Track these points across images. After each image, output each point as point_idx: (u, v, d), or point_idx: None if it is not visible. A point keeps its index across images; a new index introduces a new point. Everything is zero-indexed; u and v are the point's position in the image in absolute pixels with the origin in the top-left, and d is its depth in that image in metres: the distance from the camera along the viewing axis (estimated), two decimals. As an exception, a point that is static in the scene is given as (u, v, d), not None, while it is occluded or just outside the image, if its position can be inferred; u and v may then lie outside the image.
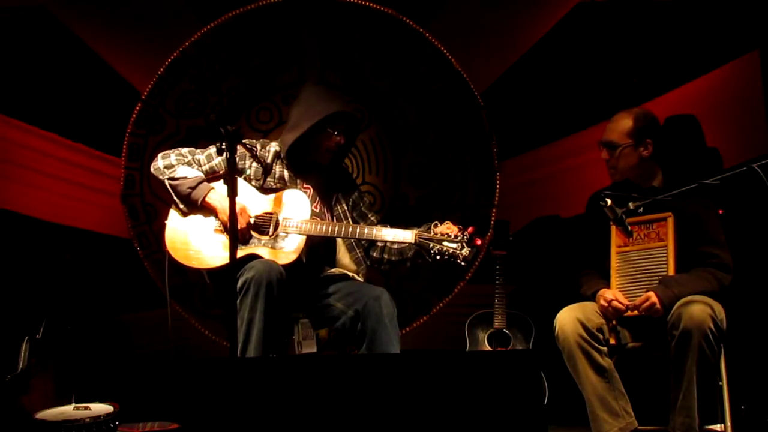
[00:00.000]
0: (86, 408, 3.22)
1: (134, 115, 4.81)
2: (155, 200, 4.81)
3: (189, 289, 4.80)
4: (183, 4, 4.82)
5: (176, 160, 3.45)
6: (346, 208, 3.65)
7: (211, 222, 3.46)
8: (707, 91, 4.68)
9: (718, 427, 3.31)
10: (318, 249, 3.53)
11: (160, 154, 3.49)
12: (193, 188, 3.40)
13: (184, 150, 3.52)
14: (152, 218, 4.81)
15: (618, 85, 4.71)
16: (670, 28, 4.72)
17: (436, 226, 3.36)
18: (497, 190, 4.90)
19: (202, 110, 4.86)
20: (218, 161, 3.48)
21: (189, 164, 3.46)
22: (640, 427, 3.32)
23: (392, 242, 3.45)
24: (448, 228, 3.36)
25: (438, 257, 3.32)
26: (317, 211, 3.55)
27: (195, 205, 3.43)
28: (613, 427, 3.27)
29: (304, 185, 3.57)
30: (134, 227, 4.80)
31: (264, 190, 3.53)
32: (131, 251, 4.78)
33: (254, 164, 3.52)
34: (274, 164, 3.56)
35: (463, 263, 3.32)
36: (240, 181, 3.49)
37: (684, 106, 4.64)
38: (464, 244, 3.30)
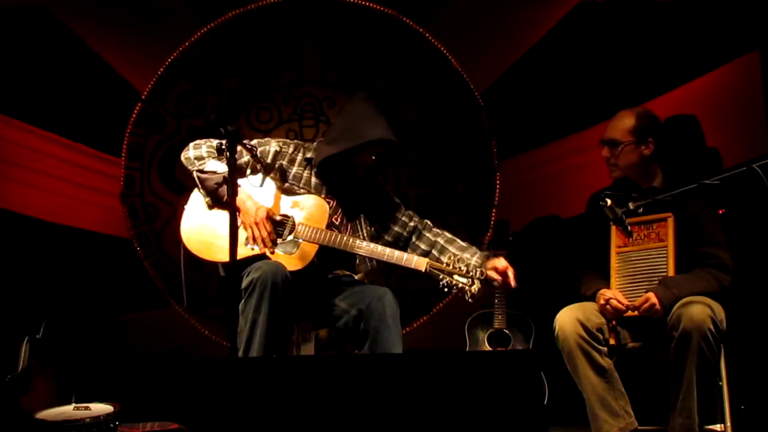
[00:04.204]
0: (86, 408, 3.21)
1: (134, 115, 4.81)
2: (155, 200, 4.82)
3: (189, 289, 4.80)
4: (183, 4, 4.83)
5: (207, 152, 3.41)
6: (366, 223, 3.60)
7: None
8: (707, 91, 4.68)
9: (718, 427, 3.31)
10: (335, 254, 3.47)
11: (191, 144, 3.45)
12: (221, 184, 3.36)
13: (215, 142, 3.49)
14: (152, 218, 4.82)
15: (618, 85, 4.71)
16: (670, 28, 4.72)
17: (449, 258, 3.34)
18: (497, 190, 4.90)
19: (202, 110, 4.86)
20: (246, 158, 3.45)
21: (219, 158, 3.43)
22: (640, 427, 3.32)
23: (404, 267, 3.39)
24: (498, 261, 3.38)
25: (446, 289, 3.31)
26: (337, 223, 3.52)
27: (220, 201, 3.41)
28: (613, 427, 3.27)
29: (329, 196, 3.53)
30: (134, 227, 4.80)
31: (286, 192, 3.51)
32: (131, 251, 4.78)
33: (279, 163, 3.50)
34: (303, 169, 3.53)
35: (470, 300, 3.30)
36: (266, 180, 3.48)
37: (684, 106, 4.64)
38: (474, 279, 3.28)
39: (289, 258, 3.36)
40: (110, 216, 4.80)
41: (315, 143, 3.60)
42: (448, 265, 3.31)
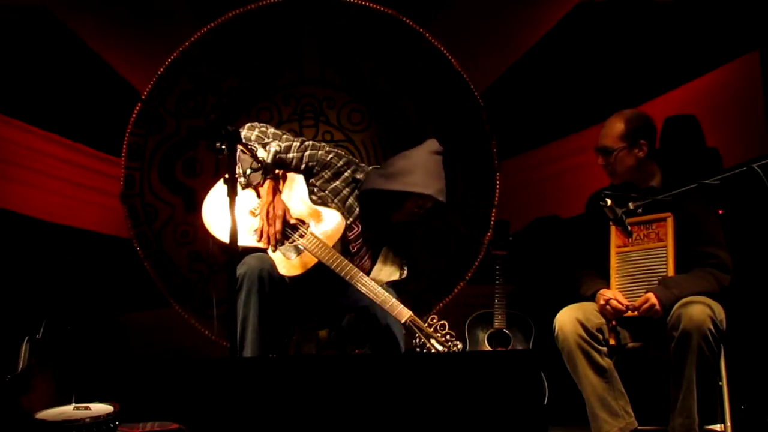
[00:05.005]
0: (86, 408, 3.22)
1: (134, 115, 4.81)
2: (155, 200, 4.82)
3: (189, 289, 4.80)
4: (183, 4, 4.83)
5: (256, 136, 3.42)
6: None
7: (252, 203, 3.44)
8: (707, 91, 4.68)
9: (718, 427, 3.31)
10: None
11: (248, 124, 3.47)
12: (255, 170, 3.36)
13: (270, 131, 3.48)
14: (152, 218, 4.82)
15: (618, 85, 4.71)
16: (670, 28, 4.72)
17: (433, 320, 3.27)
18: (497, 190, 4.90)
19: (202, 110, 4.86)
20: (293, 156, 3.46)
21: (264, 145, 3.42)
22: (640, 427, 3.32)
23: (387, 310, 3.31)
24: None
25: (418, 349, 3.24)
26: (353, 251, 3.50)
27: (249, 185, 3.42)
28: (613, 427, 3.27)
29: (356, 222, 3.52)
30: (134, 227, 4.80)
31: (318, 200, 3.49)
32: (131, 251, 4.78)
33: (325, 171, 3.49)
34: (345, 186, 3.51)
35: None
36: (299, 178, 3.49)
37: (684, 106, 4.64)
38: (450, 350, 3.19)
39: (286, 261, 3.36)
40: (110, 216, 4.79)
41: (369, 168, 3.59)
42: (429, 326, 3.23)
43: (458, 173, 4.92)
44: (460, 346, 3.23)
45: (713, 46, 4.64)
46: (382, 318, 3.35)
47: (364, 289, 3.28)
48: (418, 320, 3.24)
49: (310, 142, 3.52)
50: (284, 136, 3.50)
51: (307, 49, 4.92)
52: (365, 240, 3.55)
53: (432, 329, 3.23)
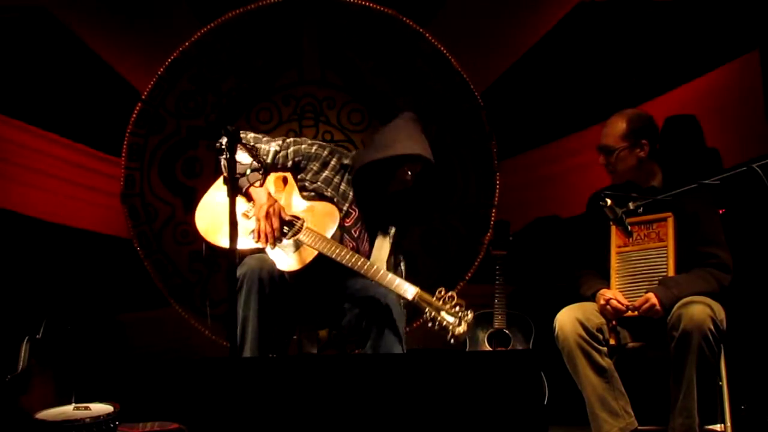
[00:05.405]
0: (86, 408, 3.22)
1: (134, 115, 4.81)
2: (155, 200, 4.82)
3: (189, 289, 4.80)
4: (183, 5, 4.83)
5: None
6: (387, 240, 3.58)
7: (242, 207, 3.44)
8: (707, 91, 4.68)
9: (718, 427, 3.31)
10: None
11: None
12: (242, 175, 3.36)
13: (250, 135, 3.50)
14: (152, 218, 4.82)
15: (618, 85, 4.71)
16: (670, 28, 4.72)
17: (440, 293, 3.24)
18: (497, 190, 4.90)
19: (202, 110, 4.86)
20: (281, 155, 3.47)
21: (250, 150, 3.41)
22: (640, 427, 3.32)
23: (394, 290, 3.30)
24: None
25: (430, 324, 3.22)
26: (356, 235, 3.51)
27: (240, 191, 3.43)
28: (613, 427, 3.27)
29: (353, 206, 3.53)
30: (134, 227, 4.80)
31: (313, 193, 3.49)
32: (131, 251, 4.78)
33: (313, 164, 3.50)
34: (335, 174, 3.52)
35: (452, 341, 3.19)
36: (288, 177, 3.49)
37: (684, 106, 4.64)
38: (462, 321, 3.18)
39: (285, 258, 3.36)
40: (110, 216, 4.80)
41: (354, 152, 3.61)
42: (438, 299, 3.21)
43: (458, 173, 4.92)
44: (470, 315, 3.20)
45: (713, 46, 4.64)
46: (382, 297, 3.34)
47: (368, 274, 3.29)
48: (426, 295, 3.23)
49: (291, 139, 3.54)
50: (264, 138, 3.52)
51: (307, 49, 4.92)
52: (363, 222, 3.55)
53: (441, 302, 3.21)
